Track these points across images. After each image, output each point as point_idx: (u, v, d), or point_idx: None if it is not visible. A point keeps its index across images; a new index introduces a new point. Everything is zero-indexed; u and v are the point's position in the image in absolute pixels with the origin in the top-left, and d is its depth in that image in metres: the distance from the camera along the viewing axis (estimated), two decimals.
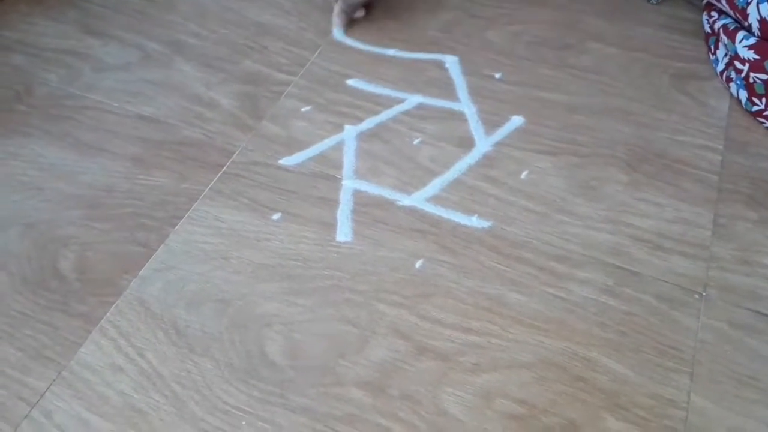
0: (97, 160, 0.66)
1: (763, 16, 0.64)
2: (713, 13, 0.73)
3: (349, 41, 0.78)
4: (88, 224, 0.61)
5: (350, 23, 0.74)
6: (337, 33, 0.74)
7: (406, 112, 0.71)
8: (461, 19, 0.81)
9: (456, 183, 0.64)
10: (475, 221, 0.61)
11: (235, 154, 0.66)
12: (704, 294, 0.56)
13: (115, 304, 0.55)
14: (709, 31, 0.74)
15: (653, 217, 0.61)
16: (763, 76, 0.66)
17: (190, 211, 0.62)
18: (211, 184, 0.64)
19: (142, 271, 0.57)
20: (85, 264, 0.58)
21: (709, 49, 0.74)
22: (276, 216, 0.61)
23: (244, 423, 0.49)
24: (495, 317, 0.54)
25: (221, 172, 0.65)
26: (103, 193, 0.63)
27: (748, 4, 0.66)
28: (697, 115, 0.70)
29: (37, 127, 0.70)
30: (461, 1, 0.83)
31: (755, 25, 0.66)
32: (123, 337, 0.53)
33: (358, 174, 0.65)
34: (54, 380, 0.51)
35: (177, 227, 0.60)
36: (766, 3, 0.64)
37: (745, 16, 0.66)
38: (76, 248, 0.59)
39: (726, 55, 0.71)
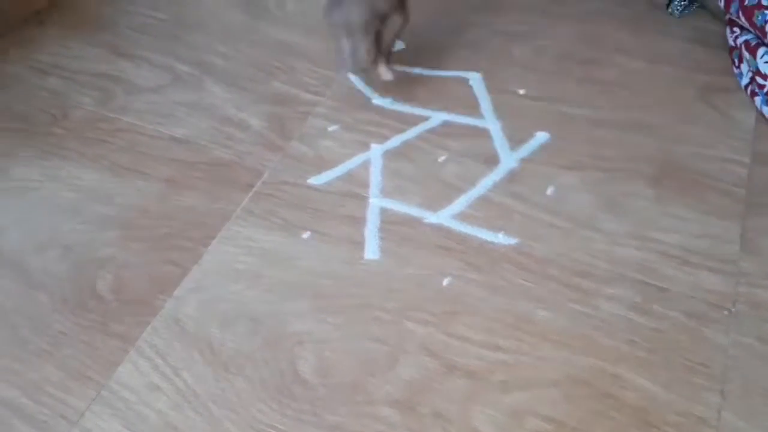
0: (131, 182, 0.68)
1: None
2: (735, 29, 0.73)
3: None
4: (123, 245, 0.63)
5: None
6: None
7: (431, 130, 0.72)
8: (485, 36, 0.82)
9: (482, 200, 0.65)
10: (501, 238, 0.62)
11: (265, 174, 0.68)
12: (734, 310, 0.56)
13: (151, 324, 0.57)
14: (733, 44, 0.74)
15: (680, 232, 0.61)
16: None
17: (222, 231, 0.63)
18: (243, 204, 0.65)
19: (176, 291, 0.59)
20: (121, 284, 0.60)
21: (733, 62, 0.74)
22: (306, 235, 0.63)
23: None
24: (523, 335, 0.55)
25: (252, 192, 0.66)
26: (138, 215, 0.65)
27: (766, 22, 0.66)
28: (724, 128, 0.70)
29: (73, 149, 0.72)
30: (485, 18, 0.84)
31: None
32: (159, 356, 0.55)
33: (385, 192, 0.66)
34: (94, 399, 0.53)
35: (210, 247, 0.62)
36: None
37: (765, 34, 0.66)
38: (113, 269, 0.61)
39: (749, 70, 0.71)
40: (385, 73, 0.70)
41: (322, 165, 0.69)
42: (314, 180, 0.67)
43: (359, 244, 0.62)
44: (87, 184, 0.68)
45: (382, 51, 0.70)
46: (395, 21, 0.69)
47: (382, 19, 0.68)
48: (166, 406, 0.52)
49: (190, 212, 0.65)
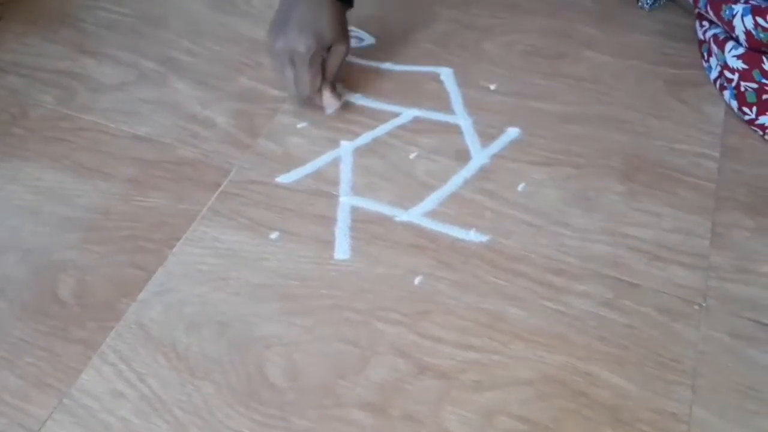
0: (93, 182, 0.66)
1: (747, 29, 0.65)
2: (704, 23, 0.73)
3: None
4: (86, 248, 0.61)
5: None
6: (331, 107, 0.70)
7: (402, 126, 0.71)
8: (455, 31, 0.81)
9: (453, 197, 0.64)
10: (472, 235, 0.61)
11: (231, 173, 0.67)
12: (704, 304, 0.56)
13: (114, 329, 0.55)
14: (702, 38, 0.74)
15: (651, 227, 0.61)
16: (754, 85, 0.66)
17: (187, 232, 0.62)
18: (209, 204, 0.64)
19: (141, 295, 0.57)
20: (84, 288, 0.58)
21: (702, 56, 0.74)
22: (274, 235, 0.61)
23: None
24: (495, 333, 0.54)
25: (218, 192, 0.65)
26: (101, 216, 0.63)
27: (734, 16, 0.66)
28: (693, 123, 0.70)
29: (33, 150, 0.70)
30: (455, 12, 0.83)
31: (742, 37, 0.66)
32: (123, 362, 0.53)
33: (355, 190, 0.65)
34: (55, 408, 0.51)
35: (175, 249, 0.60)
36: (749, 15, 0.64)
37: (732, 28, 0.67)
38: (75, 273, 0.59)
39: (718, 63, 0.71)
40: (329, 102, 0.69)
41: (290, 163, 0.67)
42: (283, 178, 0.66)
43: (329, 244, 0.61)
44: (47, 185, 0.66)
45: (326, 78, 0.68)
46: (339, 50, 0.68)
47: (327, 48, 0.67)
48: (130, 413, 0.50)
49: (154, 213, 0.63)
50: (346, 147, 0.69)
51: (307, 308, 0.56)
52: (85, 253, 0.60)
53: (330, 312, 0.56)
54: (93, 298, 0.57)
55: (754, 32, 0.64)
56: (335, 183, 0.66)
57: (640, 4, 0.82)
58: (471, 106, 0.72)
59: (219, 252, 0.60)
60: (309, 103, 0.71)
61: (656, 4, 0.82)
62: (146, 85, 0.76)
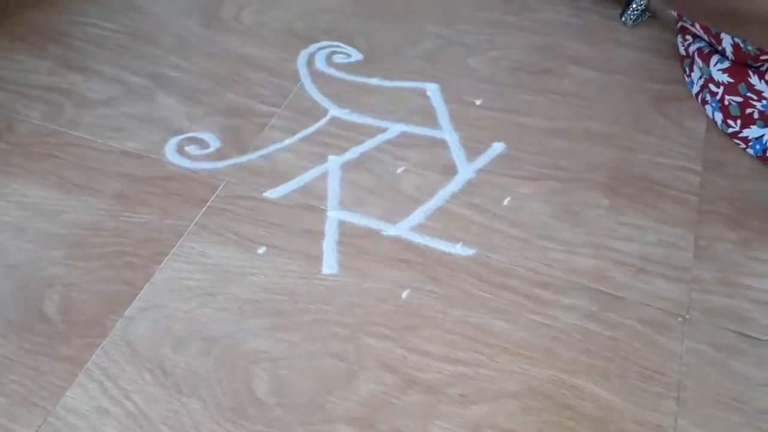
0: (80, 198, 0.66)
1: (735, 41, 0.66)
2: (687, 37, 0.75)
3: (332, 71, 0.79)
4: (72, 264, 0.61)
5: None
6: None
7: (390, 141, 0.71)
8: (442, 47, 0.82)
9: (440, 211, 0.65)
10: (459, 249, 0.61)
11: (219, 188, 0.67)
12: (687, 317, 0.56)
13: (101, 346, 0.55)
14: (684, 53, 0.75)
15: (635, 241, 0.62)
16: (738, 99, 0.67)
17: (175, 247, 0.62)
18: (196, 220, 0.64)
19: (128, 311, 0.57)
20: (70, 305, 0.58)
21: (684, 71, 0.76)
22: (261, 250, 0.61)
23: None
24: (481, 347, 0.55)
25: (206, 207, 0.65)
26: (88, 232, 0.63)
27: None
28: (676, 137, 0.71)
29: (19, 165, 0.69)
30: (442, 29, 0.84)
31: (729, 50, 0.67)
32: (109, 379, 0.53)
33: (343, 204, 0.65)
34: (40, 426, 0.51)
35: (162, 264, 0.60)
36: None
37: (719, 41, 0.68)
38: (61, 289, 0.59)
39: (701, 77, 0.72)
40: None
41: (278, 178, 0.68)
42: (270, 193, 0.66)
43: (317, 259, 0.61)
44: (33, 201, 0.66)
45: None
46: None
47: None
48: (115, 431, 0.50)
49: (141, 229, 0.63)
50: (334, 161, 0.69)
51: (294, 323, 0.56)
52: (71, 270, 0.60)
53: (317, 327, 0.56)
54: (79, 315, 0.57)
55: (742, 45, 0.65)
56: (323, 197, 0.66)
57: (623, 20, 0.83)
58: (457, 121, 0.73)
59: (206, 267, 0.60)
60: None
61: (639, 20, 0.83)
62: (134, 101, 0.76)
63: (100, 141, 0.72)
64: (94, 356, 0.54)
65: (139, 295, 0.58)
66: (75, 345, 0.55)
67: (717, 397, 0.52)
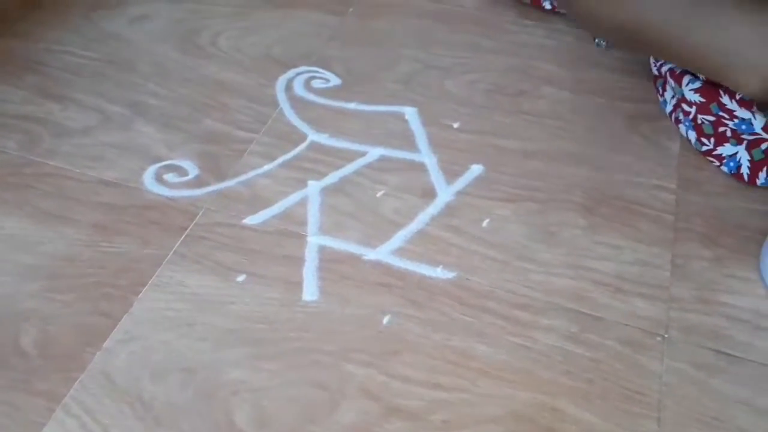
0: (57, 229, 0.65)
1: None
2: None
3: (311, 96, 0.80)
4: (49, 296, 0.60)
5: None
6: None
7: (369, 165, 0.72)
8: (419, 70, 0.83)
9: (420, 234, 0.65)
10: (440, 272, 0.62)
11: (198, 216, 0.66)
12: (666, 336, 0.57)
13: (78, 380, 0.54)
14: (657, 73, 0.77)
15: (612, 260, 0.62)
16: (711, 118, 0.68)
17: (153, 277, 0.61)
18: (175, 248, 0.64)
19: (106, 343, 0.57)
20: (47, 338, 0.57)
21: (657, 90, 0.77)
22: (241, 278, 0.61)
23: None
24: (463, 371, 0.55)
25: (185, 235, 0.65)
26: (65, 263, 0.63)
27: None
28: (651, 156, 0.72)
29: None
30: (418, 52, 0.85)
31: None
32: (87, 413, 0.52)
33: (323, 230, 0.65)
34: None
35: (141, 295, 0.60)
36: None
37: None
38: (38, 322, 0.58)
39: (673, 97, 0.73)
40: None
41: (257, 204, 0.68)
42: (250, 220, 0.66)
43: (297, 285, 0.61)
44: (8, 233, 0.65)
45: None
46: None
47: None
48: None
49: (119, 259, 0.63)
50: (314, 186, 0.69)
51: (274, 352, 0.56)
52: (48, 302, 0.60)
53: (298, 355, 0.56)
54: (56, 348, 0.56)
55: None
56: (303, 223, 0.66)
57: (596, 41, 0.85)
58: (435, 144, 0.73)
59: (185, 297, 0.60)
60: None
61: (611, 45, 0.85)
62: (112, 129, 0.76)
63: (77, 170, 0.71)
64: (72, 390, 0.54)
65: (117, 326, 0.58)
66: (52, 379, 0.54)
67: (697, 416, 0.52)
